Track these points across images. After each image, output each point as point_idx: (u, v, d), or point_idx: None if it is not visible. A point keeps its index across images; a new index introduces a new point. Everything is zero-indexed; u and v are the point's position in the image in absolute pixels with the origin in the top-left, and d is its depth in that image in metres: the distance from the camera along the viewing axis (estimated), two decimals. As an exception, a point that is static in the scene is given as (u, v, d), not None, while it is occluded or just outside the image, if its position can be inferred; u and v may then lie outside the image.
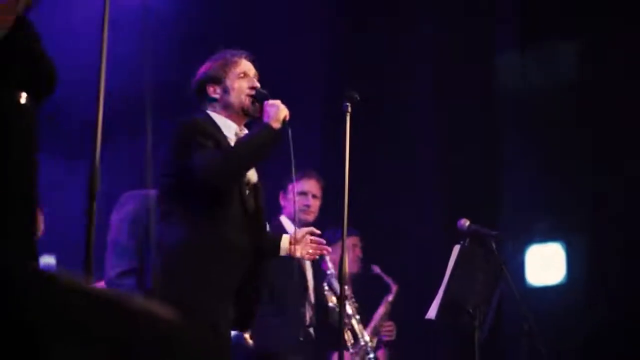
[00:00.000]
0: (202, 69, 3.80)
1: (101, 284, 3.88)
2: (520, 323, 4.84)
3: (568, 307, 6.97)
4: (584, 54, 7.21)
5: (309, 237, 3.90)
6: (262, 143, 3.58)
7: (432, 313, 4.61)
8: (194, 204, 3.53)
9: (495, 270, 4.89)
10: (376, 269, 6.27)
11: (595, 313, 6.84)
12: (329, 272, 5.70)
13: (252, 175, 3.71)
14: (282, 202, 5.48)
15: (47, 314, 1.44)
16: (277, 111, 3.63)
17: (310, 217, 5.48)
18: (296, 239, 3.85)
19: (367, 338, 5.91)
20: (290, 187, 5.35)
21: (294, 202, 4.89)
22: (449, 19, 7.41)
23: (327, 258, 5.80)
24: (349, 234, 6.06)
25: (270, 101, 3.68)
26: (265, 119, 3.63)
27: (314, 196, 5.53)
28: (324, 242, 3.96)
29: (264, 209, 3.79)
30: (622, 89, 6.90)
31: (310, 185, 5.54)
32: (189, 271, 3.48)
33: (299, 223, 5.46)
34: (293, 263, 5.26)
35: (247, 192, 3.68)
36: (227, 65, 3.76)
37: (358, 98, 3.87)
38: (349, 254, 6.00)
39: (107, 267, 3.88)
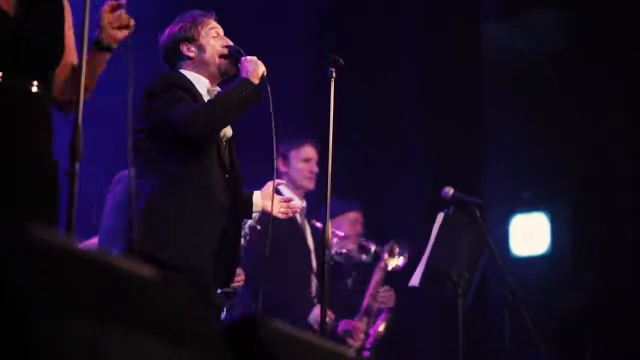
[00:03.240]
0: (173, 28, 3.77)
1: (93, 241, 3.89)
2: (505, 293, 4.86)
3: (552, 277, 6.98)
4: (570, 22, 7.20)
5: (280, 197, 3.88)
6: (242, 97, 3.56)
7: (415, 280, 4.63)
8: (170, 157, 3.53)
9: (479, 238, 4.91)
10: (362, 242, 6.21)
11: (579, 283, 6.87)
12: (318, 224, 5.62)
13: (227, 129, 3.70)
14: (282, 169, 5.27)
15: (31, 274, 1.43)
16: (256, 67, 3.61)
17: (313, 185, 5.38)
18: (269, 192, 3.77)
19: None
20: (293, 153, 5.29)
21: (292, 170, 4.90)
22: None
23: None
24: (352, 209, 6.00)
25: (248, 57, 3.66)
26: (244, 75, 3.61)
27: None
28: (292, 199, 3.96)
29: (238, 163, 3.76)
30: (608, 56, 6.90)
31: (314, 152, 5.38)
32: (170, 222, 3.49)
33: (302, 191, 5.36)
34: (300, 228, 5.25)
35: (224, 145, 3.67)
36: (199, 24, 3.74)
37: (342, 63, 3.84)
38: (349, 229, 5.92)
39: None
